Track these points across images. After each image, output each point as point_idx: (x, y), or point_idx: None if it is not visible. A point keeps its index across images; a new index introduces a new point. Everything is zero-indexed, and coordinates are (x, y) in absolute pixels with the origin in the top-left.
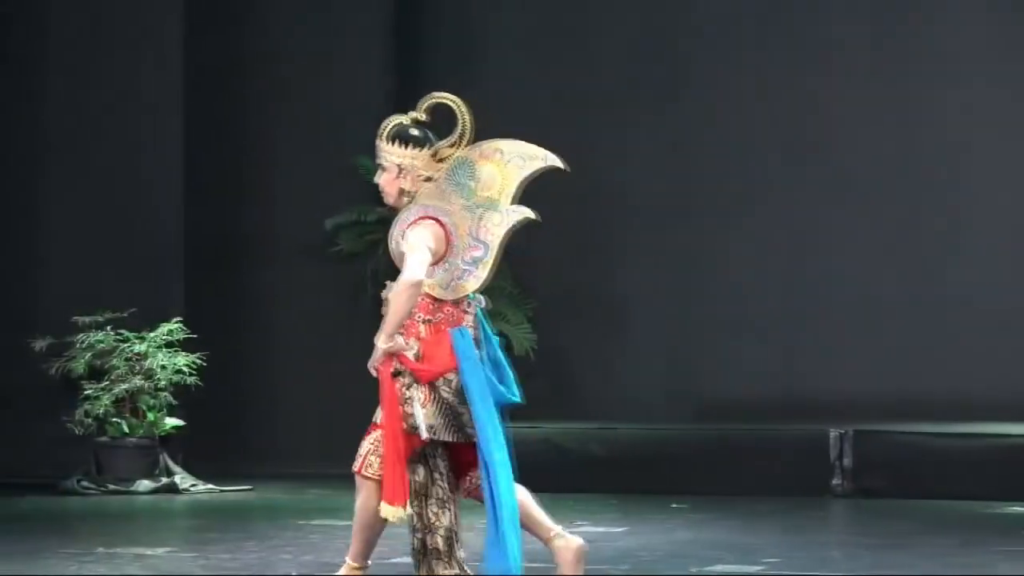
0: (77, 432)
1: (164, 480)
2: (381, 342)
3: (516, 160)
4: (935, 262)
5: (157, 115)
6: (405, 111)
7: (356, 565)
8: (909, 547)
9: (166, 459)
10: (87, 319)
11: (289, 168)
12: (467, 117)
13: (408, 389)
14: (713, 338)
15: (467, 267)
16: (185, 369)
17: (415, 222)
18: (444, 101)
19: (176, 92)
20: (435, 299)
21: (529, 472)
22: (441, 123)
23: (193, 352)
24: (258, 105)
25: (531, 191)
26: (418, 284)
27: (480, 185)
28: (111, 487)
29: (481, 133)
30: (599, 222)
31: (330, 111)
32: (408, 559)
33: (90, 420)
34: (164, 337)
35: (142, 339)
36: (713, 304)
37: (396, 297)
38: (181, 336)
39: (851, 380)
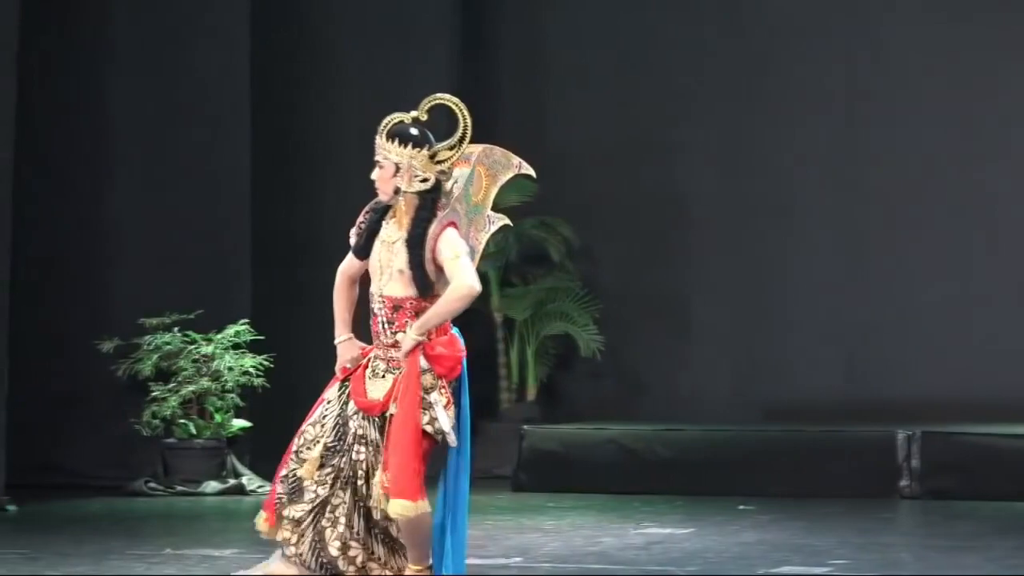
0: (145, 434)
1: (231, 482)
2: (416, 333)
3: (495, 166)
4: (1003, 262)
5: (224, 119)
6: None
7: (421, 567)
8: (977, 549)
9: (233, 460)
10: (154, 321)
11: (353, 170)
12: (467, 120)
13: (429, 394)
14: (780, 339)
15: None
16: (252, 370)
17: (445, 227)
18: (445, 103)
19: (243, 96)
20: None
21: (595, 473)
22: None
23: (260, 354)
24: (323, 108)
25: (601, 192)
26: (477, 293)
27: (473, 190)
28: (178, 489)
29: (544, 131)
30: (665, 223)
31: (393, 110)
32: (477, 559)
33: (157, 422)
34: (231, 339)
35: (209, 341)
36: (780, 305)
37: (456, 300)
38: (248, 338)
39: (918, 381)
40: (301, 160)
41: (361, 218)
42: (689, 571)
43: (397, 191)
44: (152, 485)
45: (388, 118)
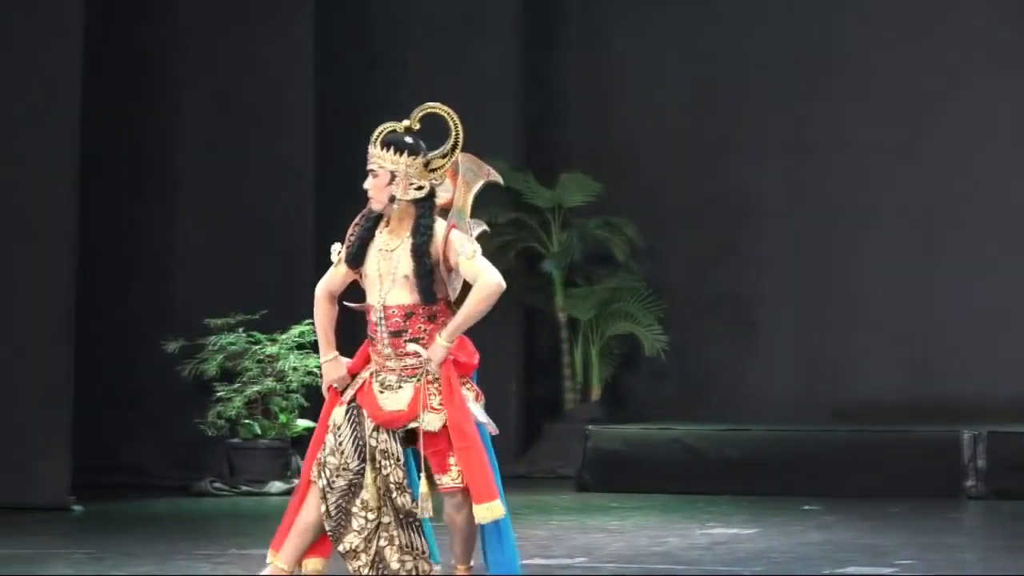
0: (210, 434)
1: (296, 481)
2: (447, 340)
3: (468, 174)
4: None
5: (288, 121)
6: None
7: (468, 566)
8: None
9: (298, 460)
10: (219, 321)
11: None
12: (459, 128)
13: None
14: (844, 339)
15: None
16: (316, 371)
17: (449, 229)
18: (437, 111)
19: (307, 98)
20: (450, 304)
21: (660, 473)
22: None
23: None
24: (386, 109)
25: (665, 191)
26: (504, 288)
27: (458, 196)
28: (243, 488)
29: (609, 130)
30: (730, 223)
31: (459, 113)
32: (542, 559)
33: (222, 422)
34: (295, 339)
35: (273, 341)
36: (844, 305)
37: (486, 299)
38: (312, 338)
39: (984, 381)
40: (364, 161)
41: (351, 230)
42: (754, 571)
43: (392, 199)
44: (217, 485)
45: (381, 127)
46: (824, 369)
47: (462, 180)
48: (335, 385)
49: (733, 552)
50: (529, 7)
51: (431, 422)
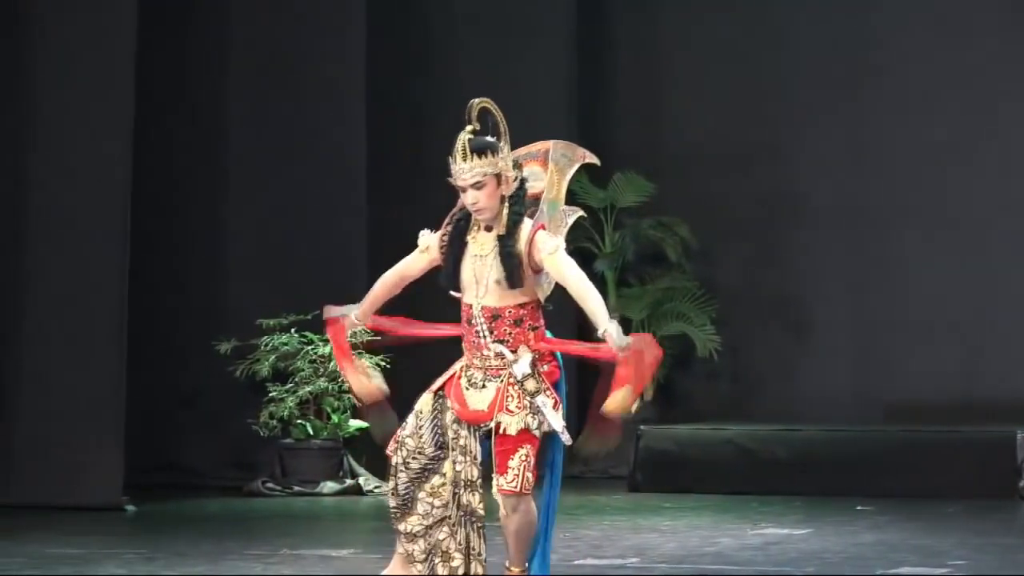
0: (262, 434)
1: (348, 482)
2: (610, 324)
3: (561, 160)
4: None
5: (339, 118)
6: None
7: (521, 570)
8: None
9: (350, 461)
10: (271, 322)
11: None
12: (500, 115)
13: (535, 397)
14: (897, 339)
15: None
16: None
17: (536, 229)
18: (487, 106)
19: (358, 95)
20: (539, 304)
21: (712, 473)
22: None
23: (376, 354)
24: (441, 108)
25: (718, 192)
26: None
27: (546, 187)
28: (296, 489)
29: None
30: (783, 223)
31: (512, 113)
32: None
33: (275, 422)
34: (348, 340)
35: (326, 341)
36: (897, 305)
37: (588, 285)
38: (365, 338)
39: None
40: (417, 160)
41: (443, 231)
42: (806, 572)
43: (502, 200)
44: (269, 485)
45: (459, 141)
46: (877, 369)
47: (554, 167)
48: (343, 324)
49: (785, 552)
50: (581, 7)
51: (507, 424)
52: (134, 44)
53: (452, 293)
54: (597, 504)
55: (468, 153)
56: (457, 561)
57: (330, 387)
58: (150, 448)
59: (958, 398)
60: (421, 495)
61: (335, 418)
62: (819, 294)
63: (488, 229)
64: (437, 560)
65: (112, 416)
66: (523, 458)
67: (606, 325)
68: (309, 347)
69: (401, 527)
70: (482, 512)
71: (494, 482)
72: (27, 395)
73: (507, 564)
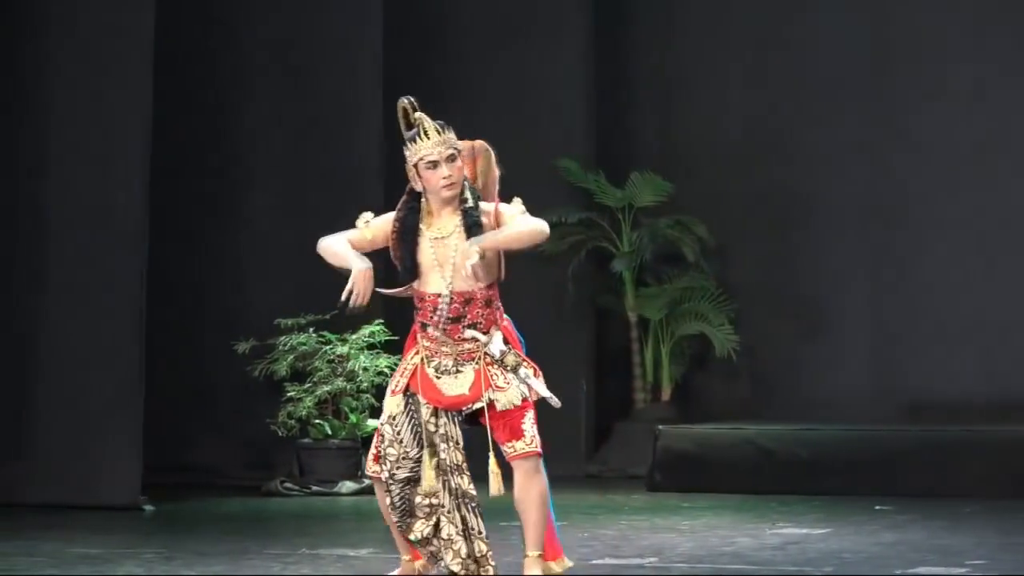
0: (280, 434)
1: (367, 482)
2: (481, 243)
3: (487, 155)
4: None
5: (356, 121)
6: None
7: (540, 553)
8: None
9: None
10: (289, 321)
11: None
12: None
13: (518, 371)
14: (916, 339)
15: None
16: (387, 371)
17: (497, 205)
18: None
19: (375, 98)
20: (498, 283)
21: (731, 473)
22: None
23: (394, 354)
24: (457, 108)
25: (736, 191)
26: (548, 235)
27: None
28: (314, 489)
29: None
30: (801, 222)
31: (529, 113)
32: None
33: (293, 422)
34: (366, 339)
35: (344, 341)
36: (916, 304)
37: (532, 231)
38: (383, 338)
39: None
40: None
41: (394, 223)
42: (825, 572)
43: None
44: (288, 485)
45: (419, 117)
46: (897, 369)
47: (484, 162)
48: (360, 295)
49: (804, 552)
50: (599, 7)
51: (507, 400)
52: (152, 43)
53: (387, 292)
54: (615, 503)
55: (439, 128)
56: (459, 544)
57: (348, 387)
58: (168, 448)
59: (977, 397)
60: (417, 499)
61: (353, 418)
62: (837, 293)
63: (431, 214)
64: (440, 544)
65: (131, 416)
66: (532, 421)
67: (474, 242)
68: (327, 347)
69: (412, 536)
70: (473, 492)
71: (507, 449)
72: (46, 395)
73: (527, 551)
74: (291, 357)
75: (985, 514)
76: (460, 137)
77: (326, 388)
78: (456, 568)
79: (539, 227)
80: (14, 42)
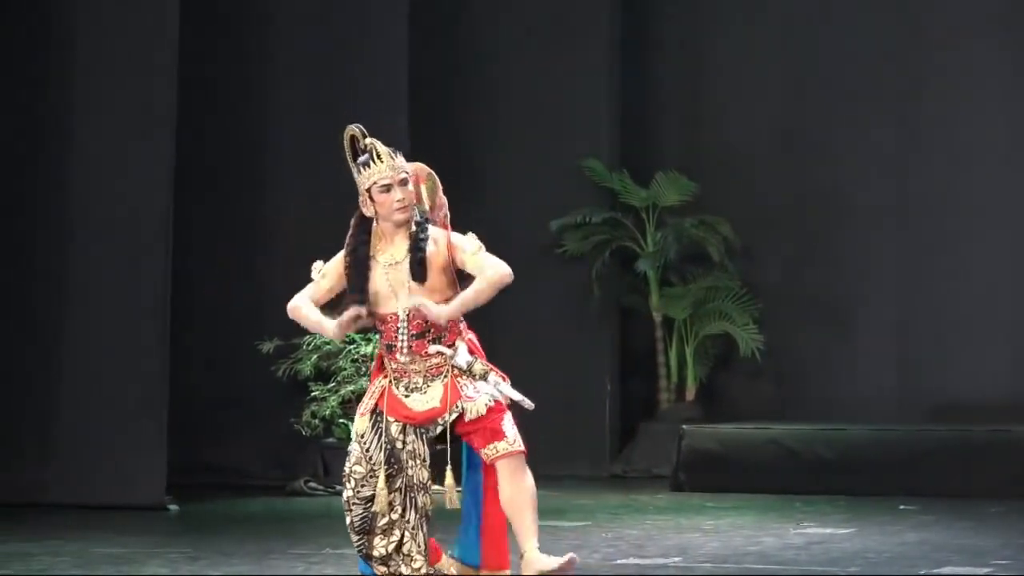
0: (304, 434)
1: None
2: (452, 309)
3: (431, 181)
4: None
5: (379, 123)
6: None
7: (538, 542)
8: None
9: None
10: None
11: (514, 170)
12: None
13: (488, 377)
14: (942, 338)
15: None
16: None
17: (449, 233)
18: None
19: (400, 96)
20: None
21: (755, 473)
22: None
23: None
24: (483, 108)
25: (761, 191)
26: (512, 279)
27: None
28: (338, 488)
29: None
30: (826, 222)
31: (554, 113)
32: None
33: (317, 422)
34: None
35: (368, 341)
36: (942, 304)
37: (495, 284)
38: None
39: None
40: (461, 160)
41: (344, 256)
42: (849, 571)
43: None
44: (312, 485)
45: (370, 142)
46: (922, 369)
47: (430, 183)
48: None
49: (828, 552)
50: (624, 6)
51: (476, 408)
52: (176, 43)
53: (341, 320)
54: (640, 503)
55: (391, 153)
56: (419, 562)
57: None
58: (193, 448)
59: (1004, 397)
60: (378, 516)
61: None
62: (862, 292)
63: (383, 239)
64: (400, 560)
65: (155, 417)
66: (511, 421)
67: (448, 306)
68: (351, 346)
69: (373, 554)
70: (448, 504)
71: (488, 452)
72: (71, 396)
73: (525, 545)
74: (315, 357)
75: (1010, 514)
76: (474, 143)
77: (350, 388)
78: None
79: (500, 277)
80: (37, 51)
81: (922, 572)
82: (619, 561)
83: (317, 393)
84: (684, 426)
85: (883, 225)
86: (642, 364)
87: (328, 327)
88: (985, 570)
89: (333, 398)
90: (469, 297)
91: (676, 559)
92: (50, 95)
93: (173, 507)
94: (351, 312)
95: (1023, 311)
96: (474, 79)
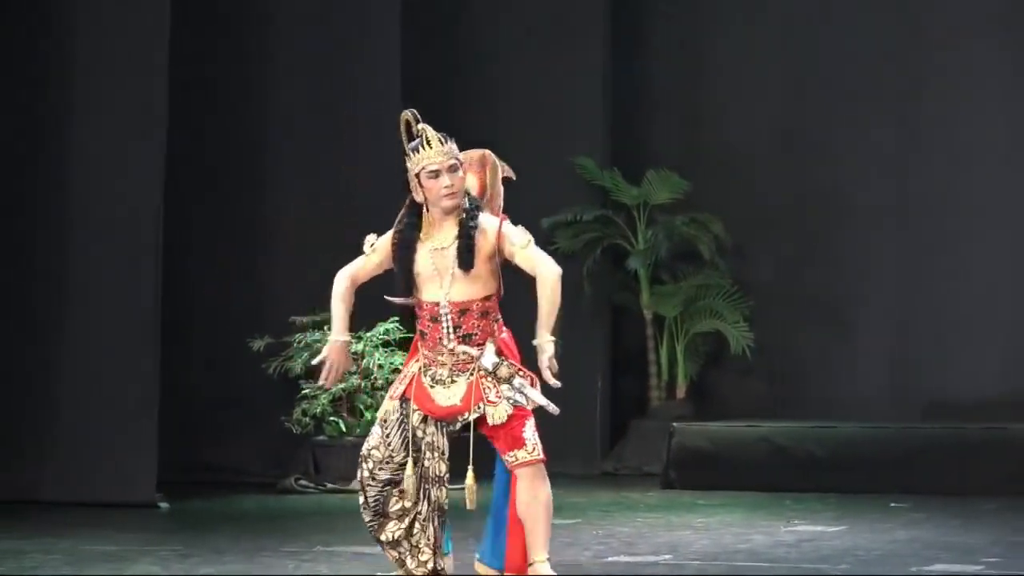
0: (295, 432)
1: None
2: (550, 334)
3: (496, 166)
4: None
5: (375, 123)
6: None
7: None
8: None
9: None
10: (304, 319)
11: (512, 169)
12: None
13: (514, 381)
14: (935, 337)
15: None
16: (401, 368)
17: (502, 221)
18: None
19: (396, 100)
20: (499, 296)
21: (746, 471)
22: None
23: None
24: (482, 108)
25: (752, 189)
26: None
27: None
28: (329, 486)
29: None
30: (817, 220)
31: (553, 113)
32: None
33: (308, 419)
34: (381, 337)
35: (359, 339)
36: (935, 302)
37: (557, 287)
38: (398, 336)
39: None
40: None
41: (394, 235)
42: (840, 569)
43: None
44: (303, 483)
45: (422, 127)
46: (914, 367)
47: (490, 172)
48: (332, 369)
49: (818, 550)
50: (617, 5)
51: (497, 415)
52: (167, 42)
53: (395, 300)
54: (630, 501)
55: (442, 139)
56: (426, 555)
57: (363, 384)
58: (184, 446)
59: (996, 395)
60: (392, 501)
61: (368, 415)
62: (853, 290)
63: (431, 225)
64: (408, 548)
65: (147, 415)
66: (532, 429)
67: (543, 341)
68: None
69: (382, 537)
70: (446, 507)
71: (509, 459)
72: (69, 395)
73: (534, 556)
74: (306, 354)
75: (1001, 512)
76: (470, 142)
77: (341, 386)
78: (419, 575)
79: (556, 281)
80: (37, 51)
81: (912, 570)
82: (610, 559)
83: (308, 391)
84: (675, 424)
85: (883, 225)
86: (633, 362)
87: (332, 337)
88: (975, 568)
89: (324, 396)
90: (548, 316)
91: (667, 557)
92: (50, 95)
93: (164, 505)
94: (333, 376)
95: (1015, 309)
96: (473, 79)
